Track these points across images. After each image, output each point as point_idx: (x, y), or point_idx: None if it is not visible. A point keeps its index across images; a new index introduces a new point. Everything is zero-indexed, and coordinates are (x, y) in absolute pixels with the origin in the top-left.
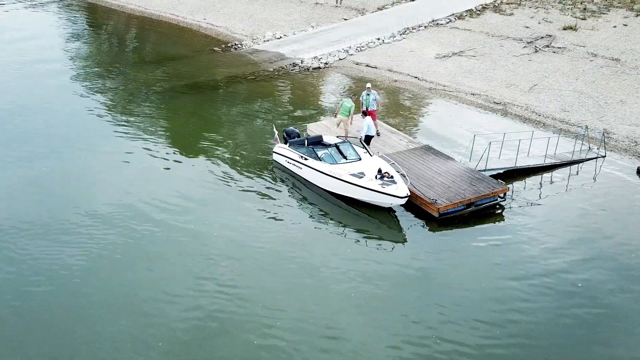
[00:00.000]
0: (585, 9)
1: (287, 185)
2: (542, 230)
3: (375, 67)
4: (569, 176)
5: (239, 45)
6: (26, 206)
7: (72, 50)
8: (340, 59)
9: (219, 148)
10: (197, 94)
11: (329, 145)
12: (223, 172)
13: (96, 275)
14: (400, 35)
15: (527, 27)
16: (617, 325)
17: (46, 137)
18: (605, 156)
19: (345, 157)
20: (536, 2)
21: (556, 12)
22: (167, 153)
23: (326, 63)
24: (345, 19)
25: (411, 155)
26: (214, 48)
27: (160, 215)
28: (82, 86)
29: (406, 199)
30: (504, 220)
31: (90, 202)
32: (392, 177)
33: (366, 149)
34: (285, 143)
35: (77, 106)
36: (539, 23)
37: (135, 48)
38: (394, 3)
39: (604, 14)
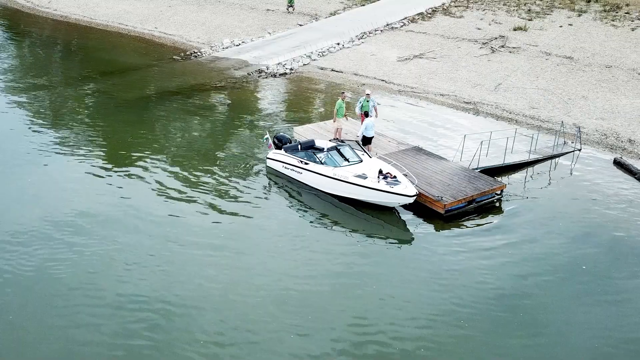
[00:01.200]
0: (529, 10)
1: (286, 191)
2: (543, 223)
3: (341, 72)
4: (554, 170)
5: (199, 53)
6: None
7: (18, 68)
8: (304, 65)
9: (208, 156)
10: (168, 103)
11: (329, 149)
12: (216, 180)
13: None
14: (359, 39)
15: (479, 29)
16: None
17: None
18: (580, 150)
19: (347, 160)
20: (482, 4)
21: (503, 13)
22: (156, 165)
23: (291, 69)
24: (300, 25)
25: (404, 156)
26: (174, 57)
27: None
28: (37, 101)
29: (415, 197)
30: (505, 215)
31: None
32: (394, 177)
33: (364, 150)
34: (279, 149)
35: (38, 121)
36: (490, 24)
37: (94, 59)
38: (345, 8)
39: (547, 14)
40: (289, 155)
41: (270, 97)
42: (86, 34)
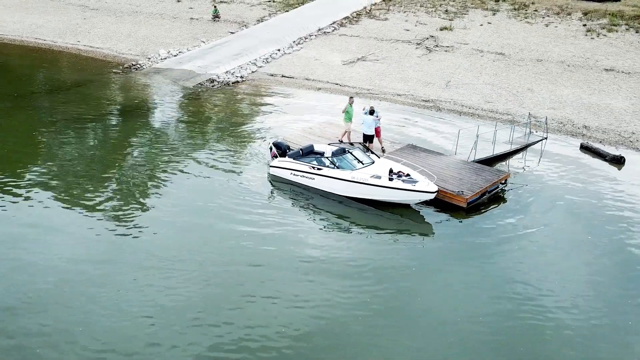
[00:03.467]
0: (446, 11)
1: (297, 197)
2: (554, 206)
3: (292, 77)
4: (534, 157)
5: (138, 65)
6: None
7: None
8: (252, 72)
9: (204, 169)
10: (130, 118)
11: (336, 153)
12: (223, 195)
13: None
14: (297, 45)
15: (407, 30)
16: None
17: None
18: (547, 138)
19: (361, 162)
20: (401, 7)
21: (424, 15)
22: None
23: (241, 76)
24: (232, 32)
25: (403, 155)
26: (113, 70)
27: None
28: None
29: (436, 193)
30: (517, 203)
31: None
32: (408, 175)
33: (371, 151)
34: (283, 155)
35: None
36: (416, 26)
37: (28, 78)
38: (270, 14)
39: (465, 14)
40: (299, 162)
41: (235, 107)
42: (1, 50)
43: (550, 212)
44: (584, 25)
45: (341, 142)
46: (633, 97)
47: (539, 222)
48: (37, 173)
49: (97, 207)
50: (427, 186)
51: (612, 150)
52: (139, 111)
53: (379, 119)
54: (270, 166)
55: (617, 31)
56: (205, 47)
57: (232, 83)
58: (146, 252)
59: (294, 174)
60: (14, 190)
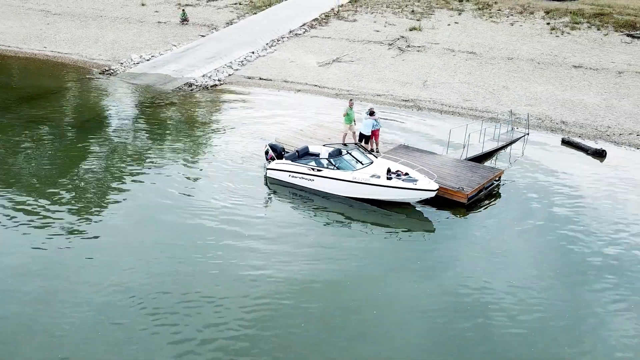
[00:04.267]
0: (412, 11)
1: (296, 199)
2: (548, 198)
3: (270, 80)
4: (519, 153)
5: (112, 70)
6: None
7: None
8: (229, 75)
9: (201, 175)
10: (103, 126)
11: (333, 154)
12: (215, 198)
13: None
14: (270, 47)
15: (377, 31)
16: None
17: None
18: (529, 134)
19: (361, 163)
20: (367, 8)
21: (391, 15)
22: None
23: (219, 80)
24: (202, 35)
25: (398, 154)
26: (87, 76)
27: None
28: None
29: (436, 191)
30: (514, 199)
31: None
32: (406, 174)
33: (368, 151)
34: (279, 158)
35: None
36: (385, 26)
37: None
38: (239, 17)
39: (431, 14)
40: (297, 163)
41: (218, 110)
42: None
43: (548, 206)
44: (548, 23)
45: (345, 144)
46: (604, 93)
47: (540, 217)
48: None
49: (53, 217)
50: (428, 184)
51: (592, 144)
52: (114, 118)
53: (379, 123)
54: (267, 169)
55: (579, 29)
56: (177, 51)
57: (211, 87)
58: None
59: (292, 176)
60: None
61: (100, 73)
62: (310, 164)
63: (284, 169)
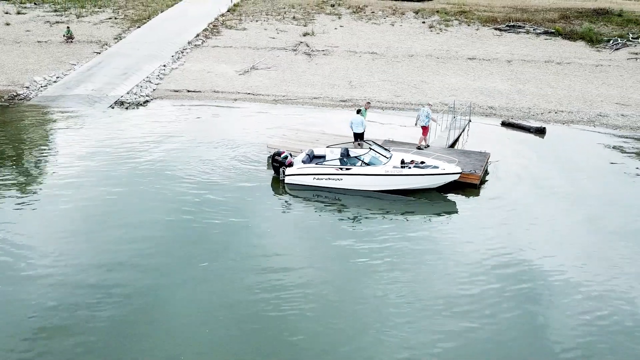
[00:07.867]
0: (294, 17)
1: (321, 198)
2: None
3: (199, 91)
4: (475, 138)
5: (21, 95)
6: None
7: None
8: (154, 90)
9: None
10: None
11: (341, 153)
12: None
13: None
14: (178, 59)
15: (273, 38)
16: None
17: None
18: (471, 120)
19: (385, 157)
20: (249, 16)
21: (276, 22)
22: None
23: (147, 95)
24: (97, 53)
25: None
26: None
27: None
28: None
29: (460, 174)
30: (504, 178)
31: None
32: (422, 162)
33: (380, 146)
34: (288, 165)
35: None
36: (278, 33)
37: None
38: (124, 31)
39: (313, 20)
40: (323, 166)
41: (169, 125)
42: None
43: (538, 181)
44: (424, 22)
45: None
46: (508, 80)
47: (541, 193)
48: None
49: None
50: (453, 168)
51: (533, 123)
52: (50, 145)
53: (428, 119)
54: (286, 175)
55: (452, 25)
56: (81, 70)
57: (143, 103)
58: None
59: (317, 179)
60: None
61: (8, 99)
62: (334, 164)
63: (307, 173)
